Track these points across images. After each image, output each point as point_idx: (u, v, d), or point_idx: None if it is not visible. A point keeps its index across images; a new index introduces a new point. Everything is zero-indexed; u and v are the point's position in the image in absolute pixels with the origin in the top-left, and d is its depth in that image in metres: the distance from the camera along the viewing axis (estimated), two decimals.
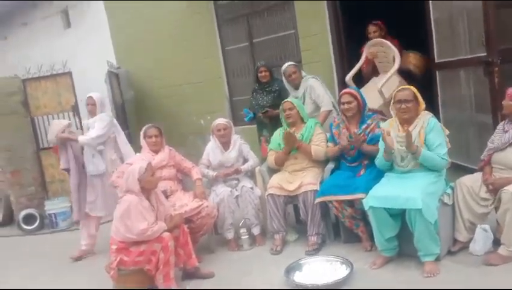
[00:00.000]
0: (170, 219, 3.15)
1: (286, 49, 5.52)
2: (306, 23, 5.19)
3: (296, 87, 4.19)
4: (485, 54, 3.64)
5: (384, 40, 4.28)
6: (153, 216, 3.03)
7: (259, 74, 4.36)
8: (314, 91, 4.08)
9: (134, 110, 6.87)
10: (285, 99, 3.84)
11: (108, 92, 6.35)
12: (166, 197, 3.45)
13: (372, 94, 4.06)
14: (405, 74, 4.44)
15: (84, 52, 6.88)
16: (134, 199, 2.97)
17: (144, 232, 2.90)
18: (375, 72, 4.60)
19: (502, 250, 2.75)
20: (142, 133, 3.82)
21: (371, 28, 4.53)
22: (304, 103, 4.02)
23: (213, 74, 6.16)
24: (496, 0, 3.58)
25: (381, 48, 4.35)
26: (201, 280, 3.20)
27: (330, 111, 4.06)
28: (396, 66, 4.08)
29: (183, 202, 3.53)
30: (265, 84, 4.40)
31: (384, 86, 4.06)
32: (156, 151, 3.75)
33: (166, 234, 2.97)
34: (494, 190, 2.82)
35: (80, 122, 5.37)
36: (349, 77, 4.38)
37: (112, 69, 6.49)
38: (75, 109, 5.38)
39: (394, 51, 4.14)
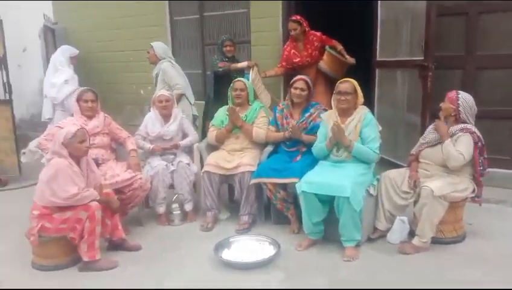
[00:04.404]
0: (100, 188, 3.04)
1: (236, 27, 5.46)
2: (259, 4, 5.15)
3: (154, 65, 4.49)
4: (422, 58, 3.86)
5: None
6: (84, 182, 2.91)
7: (224, 48, 4.48)
8: (166, 75, 4.30)
9: None
10: (238, 79, 3.83)
11: (42, 48, 5.90)
12: (97, 165, 3.32)
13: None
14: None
15: (20, 2, 6.31)
16: (63, 162, 2.82)
17: (74, 197, 2.78)
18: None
19: (415, 241, 2.99)
20: (76, 96, 3.60)
21: (291, 25, 4.44)
22: (155, 84, 4.32)
23: None
24: (439, 7, 3.79)
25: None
26: (127, 251, 3.14)
27: (182, 95, 4.33)
28: (260, 83, 4.41)
29: (115, 172, 3.40)
30: (232, 59, 4.55)
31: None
32: (90, 117, 3.56)
33: (94, 203, 2.86)
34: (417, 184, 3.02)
35: (7, 76, 4.93)
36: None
37: (48, 23, 6.03)
38: (3, 62, 4.91)
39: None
